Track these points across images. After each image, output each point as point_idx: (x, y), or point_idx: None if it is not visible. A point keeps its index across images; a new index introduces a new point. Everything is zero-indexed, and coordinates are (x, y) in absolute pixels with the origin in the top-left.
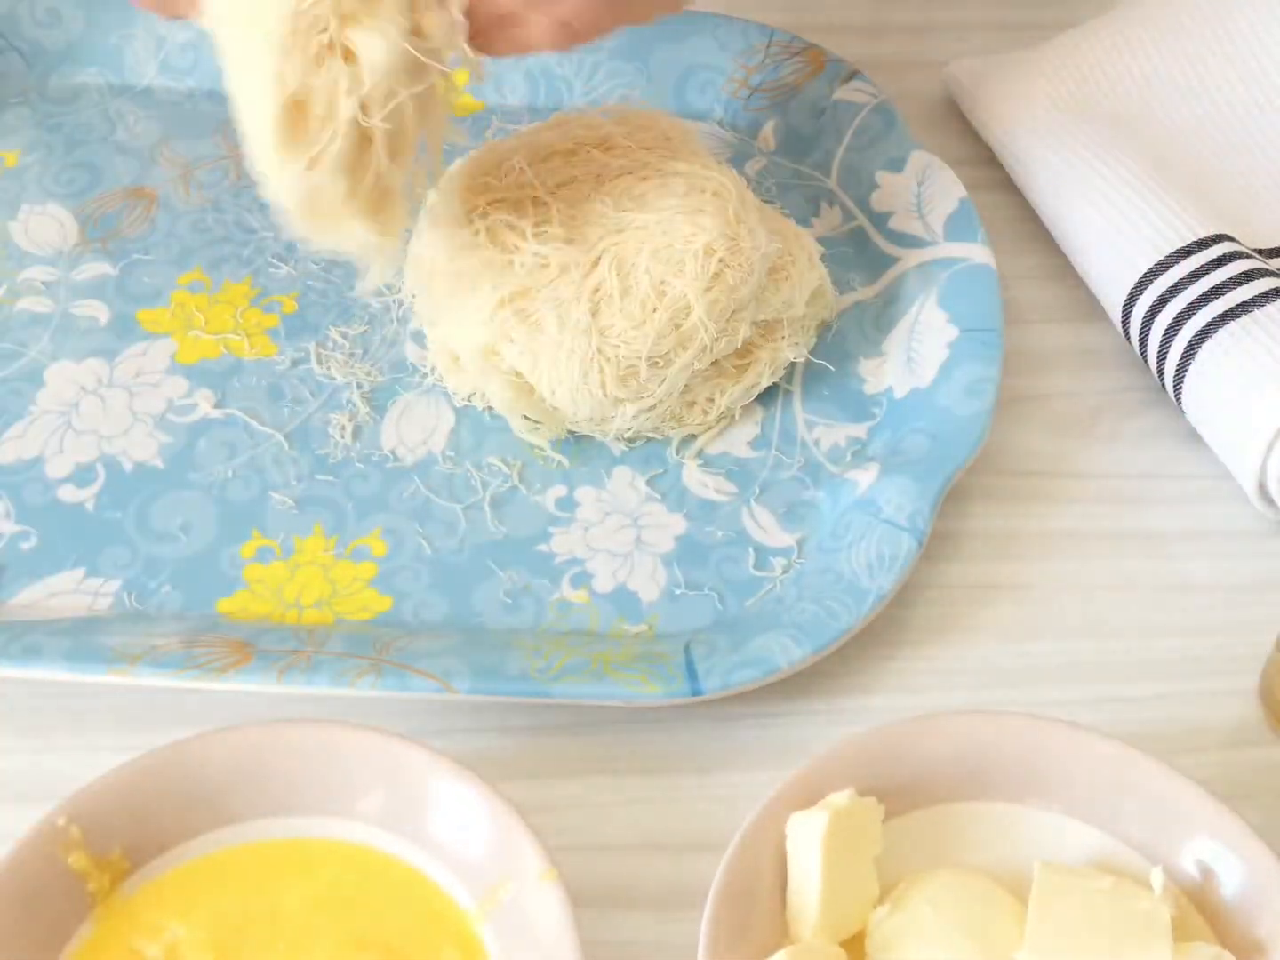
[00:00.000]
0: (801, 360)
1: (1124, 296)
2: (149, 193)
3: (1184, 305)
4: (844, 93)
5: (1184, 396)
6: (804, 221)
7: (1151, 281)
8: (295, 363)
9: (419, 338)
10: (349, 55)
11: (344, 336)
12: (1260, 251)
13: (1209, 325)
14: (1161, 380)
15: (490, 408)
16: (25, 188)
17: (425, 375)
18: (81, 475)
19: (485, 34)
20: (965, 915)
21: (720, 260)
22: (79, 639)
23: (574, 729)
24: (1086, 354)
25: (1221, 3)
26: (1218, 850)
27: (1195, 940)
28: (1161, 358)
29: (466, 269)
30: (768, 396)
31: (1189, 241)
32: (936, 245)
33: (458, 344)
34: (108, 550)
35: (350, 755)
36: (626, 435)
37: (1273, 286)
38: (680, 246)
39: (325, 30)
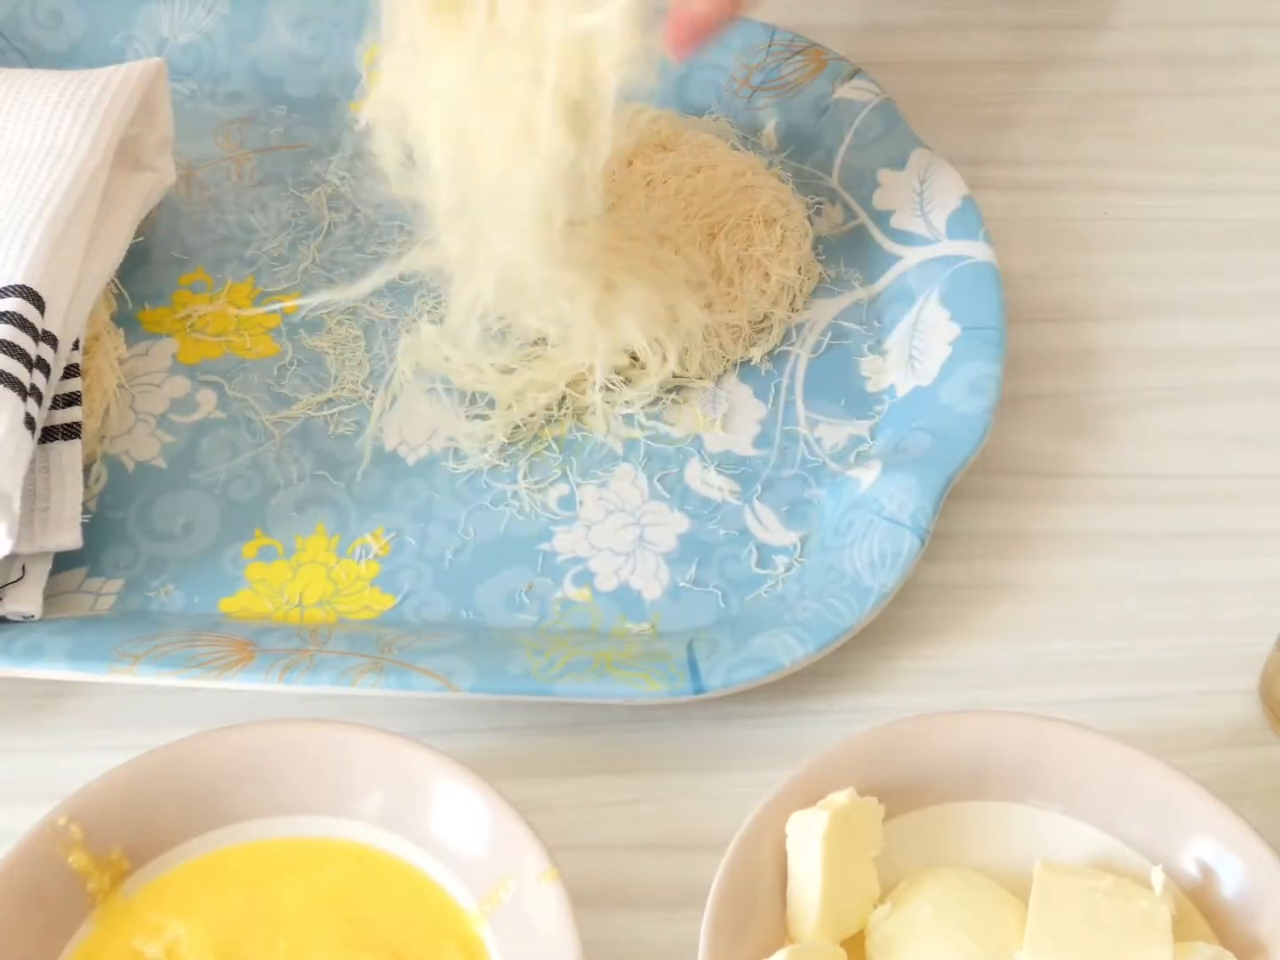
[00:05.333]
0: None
1: None
2: None
3: None
4: (845, 91)
5: None
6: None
7: None
8: (297, 363)
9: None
10: None
11: (346, 336)
12: None
13: None
14: None
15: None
16: None
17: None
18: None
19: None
20: (965, 915)
21: None
22: (81, 638)
23: (575, 729)
24: (1086, 354)
25: None
26: (1218, 850)
27: (1195, 940)
28: None
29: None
30: (770, 394)
31: None
32: (938, 243)
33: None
34: (110, 550)
35: (351, 755)
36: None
37: None
38: None
39: None
